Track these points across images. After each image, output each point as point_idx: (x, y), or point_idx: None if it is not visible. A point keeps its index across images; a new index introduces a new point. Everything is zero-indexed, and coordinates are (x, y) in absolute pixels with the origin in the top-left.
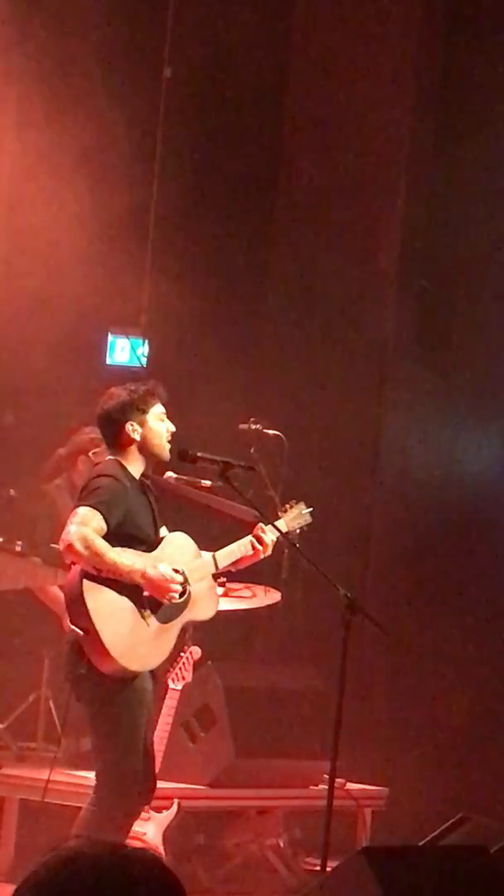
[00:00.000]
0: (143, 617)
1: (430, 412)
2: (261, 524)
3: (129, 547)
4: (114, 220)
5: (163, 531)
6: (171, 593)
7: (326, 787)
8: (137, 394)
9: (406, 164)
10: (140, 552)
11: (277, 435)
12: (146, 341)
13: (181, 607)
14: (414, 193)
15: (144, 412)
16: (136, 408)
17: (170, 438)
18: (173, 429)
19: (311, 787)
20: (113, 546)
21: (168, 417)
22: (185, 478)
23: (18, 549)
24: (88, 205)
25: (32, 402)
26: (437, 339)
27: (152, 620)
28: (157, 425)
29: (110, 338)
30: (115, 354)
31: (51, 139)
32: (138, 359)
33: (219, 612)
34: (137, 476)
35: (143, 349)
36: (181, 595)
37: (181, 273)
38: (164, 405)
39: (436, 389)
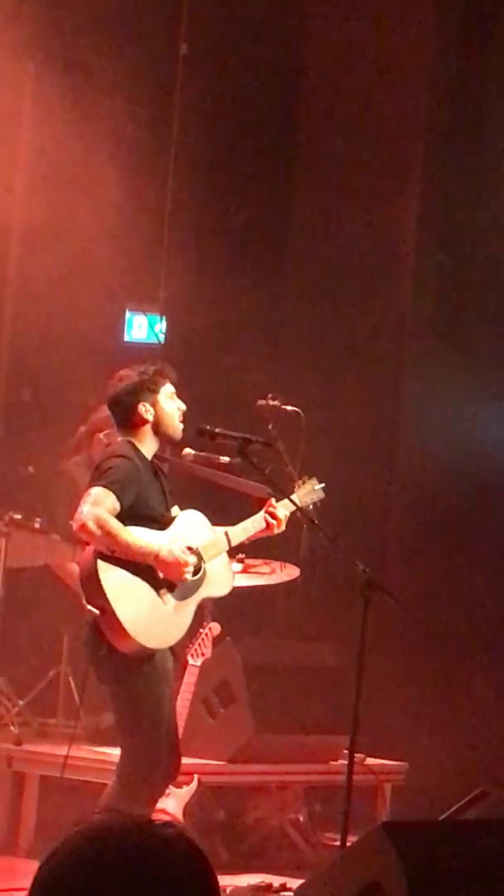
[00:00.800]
0: (159, 595)
1: (448, 387)
2: (272, 500)
3: (142, 525)
4: (131, 197)
5: (174, 510)
6: (184, 575)
7: (346, 762)
8: (147, 375)
9: (425, 137)
10: (153, 531)
11: (296, 411)
12: (164, 318)
13: (197, 584)
14: (433, 167)
15: (155, 392)
16: (146, 388)
17: (181, 417)
18: (184, 407)
19: (331, 762)
20: (126, 525)
21: (185, 394)
22: (203, 454)
23: (37, 525)
24: (106, 182)
25: (50, 380)
26: (456, 313)
27: (168, 598)
28: (169, 404)
29: (128, 314)
30: (133, 331)
31: (68, 118)
32: (156, 335)
33: (238, 589)
34: (149, 456)
35: (161, 326)
36: (196, 572)
37: (199, 249)
38: (173, 384)
39: (455, 364)
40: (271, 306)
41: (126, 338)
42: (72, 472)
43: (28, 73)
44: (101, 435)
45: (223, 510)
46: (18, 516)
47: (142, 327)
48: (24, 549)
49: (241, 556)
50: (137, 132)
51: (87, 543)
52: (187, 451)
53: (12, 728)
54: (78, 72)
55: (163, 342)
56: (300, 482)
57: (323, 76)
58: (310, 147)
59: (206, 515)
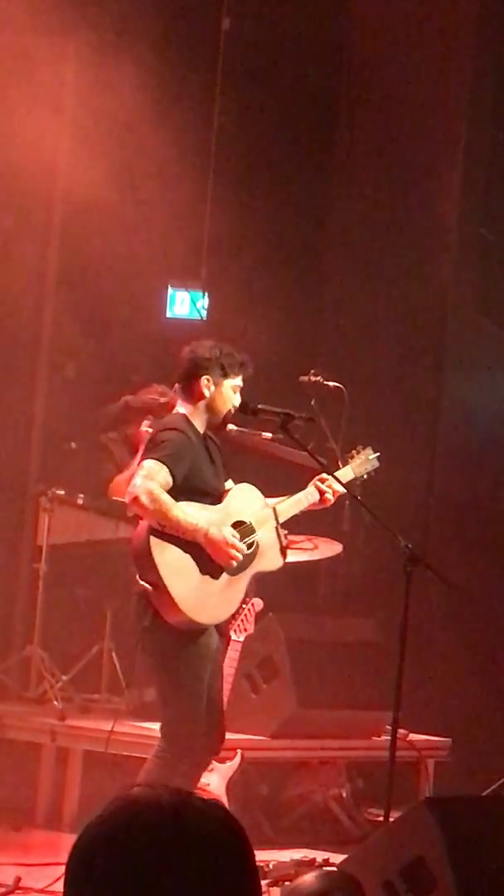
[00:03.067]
0: (210, 571)
1: (491, 362)
2: (324, 474)
3: (195, 500)
4: (173, 175)
5: (228, 484)
6: (232, 559)
7: (389, 737)
8: (230, 360)
9: (468, 111)
10: (206, 505)
11: (338, 387)
12: (206, 294)
13: (250, 558)
14: (475, 141)
15: (226, 376)
16: (220, 367)
17: (232, 411)
18: (237, 404)
19: (374, 738)
20: (179, 499)
21: None
22: (245, 430)
23: (80, 501)
24: (148, 159)
25: (93, 356)
26: (498, 288)
27: (221, 573)
28: (229, 394)
29: (170, 291)
30: (175, 307)
31: (109, 93)
32: (199, 311)
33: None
34: (202, 431)
35: (203, 302)
36: (249, 547)
37: (241, 226)
38: (245, 382)
39: (497, 338)
40: (313, 282)
41: (168, 314)
42: (110, 447)
43: (71, 48)
44: (145, 425)
45: (275, 484)
46: (61, 492)
47: (184, 303)
48: (68, 524)
49: (284, 532)
50: (180, 109)
51: (139, 517)
52: (230, 427)
53: (56, 703)
54: (120, 48)
55: (205, 318)
56: (355, 451)
57: (365, 50)
58: (352, 122)
59: (258, 489)
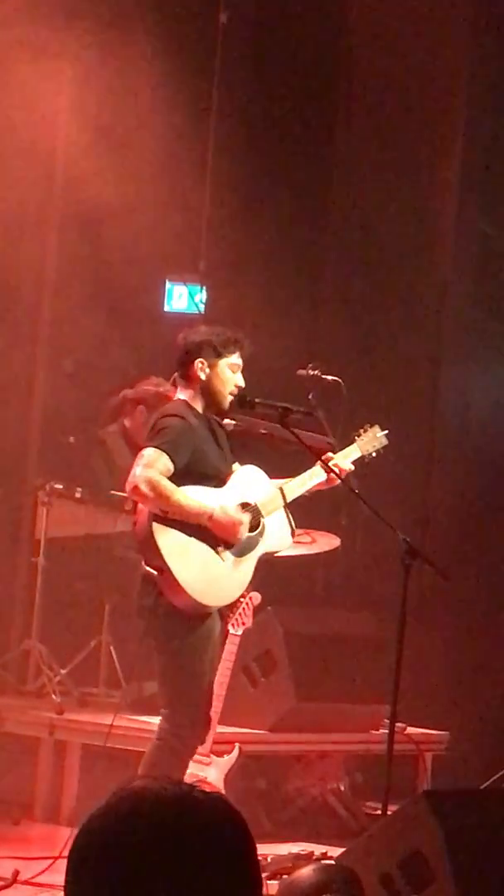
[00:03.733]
0: (216, 552)
1: (489, 356)
2: (329, 453)
3: (199, 484)
4: (171, 168)
5: (234, 466)
6: (238, 534)
7: (387, 731)
8: (220, 338)
9: (466, 106)
10: (210, 488)
11: (336, 380)
12: (204, 288)
13: (256, 540)
14: (474, 136)
15: (219, 356)
16: (212, 348)
17: (235, 392)
18: (242, 384)
19: (372, 732)
20: (183, 483)
21: None
22: (241, 421)
23: (78, 495)
24: (146, 152)
25: (92, 351)
26: (496, 282)
27: (227, 555)
28: (226, 373)
29: (168, 285)
30: (173, 301)
31: (107, 86)
32: (196, 305)
33: (279, 558)
34: (203, 413)
35: (201, 296)
36: (254, 528)
37: (239, 219)
38: (244, 359)
39: (495, 332)
40: (311, 276)
41: (166, 308)
42: (107, 441)
43: (69, 43)
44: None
45: (279, 468)
46: (59, 486)
47: (182, 297)
48: (66, 518)
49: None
50: (178, 102)
51: (140, 506)
52: (227, 421)
53: (54, 697)
54: (118, 42)
55: (203, 312)
56: (362, 430)
57: (362, 44)
58: (350, 116)
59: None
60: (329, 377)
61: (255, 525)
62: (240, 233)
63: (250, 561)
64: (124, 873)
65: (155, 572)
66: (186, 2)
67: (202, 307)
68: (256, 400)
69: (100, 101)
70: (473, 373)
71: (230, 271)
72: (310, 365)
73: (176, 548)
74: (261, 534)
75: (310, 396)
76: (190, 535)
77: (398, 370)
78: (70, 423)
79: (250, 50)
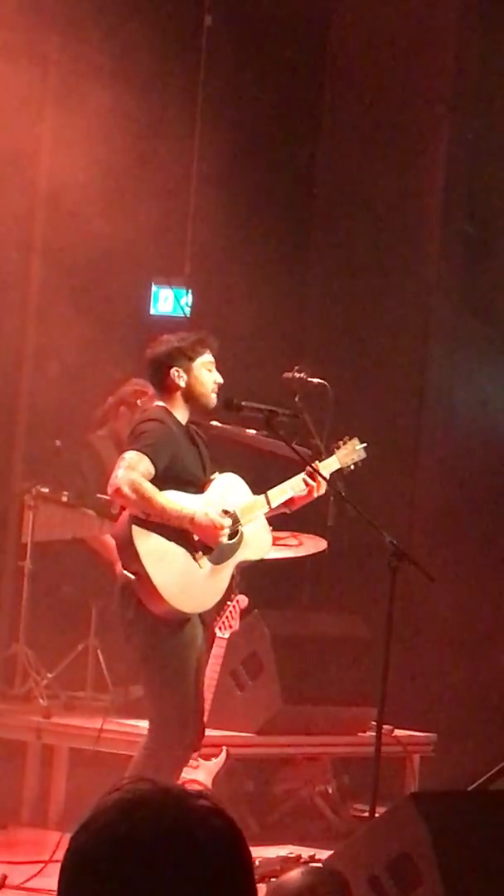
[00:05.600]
0: (195, 559)
1: (474, 357)
2: (314, 462)
3: (178, 489)
4: (156, 171)
5: (214, 476)
6: (219, 538)
7: (374, 733)
8: (186, 342)
9: (451, 108)
10: (190, 494)
11: (322, 383)
12: (190, 291)
13: (233, 547)
14: (458, 138)
15: (191, 360)
16: (183, 355)
17: (216, 389)
18: (220, 380)
19: (359, 734)
20: (162, 489)
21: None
22: (229, 427)
23: (65, 499)
24: (131, 155)
25: (77, 354)
26: (481, 284)
27: (205, 562)
28: (203, 374)
29: (154, 288)
30: (159, 305)
31: (92, 90)
32: (182, 309)
33: (266, 561)
34: (184, 422)
35: (187, 299)
36: (233, 535)
37: (224, 222)
38: (214, 355)
39: (480, 334)
40: (297, 278)
41: (152, 311)
42: (96, 444)
43: (53, 45)
44: (138, 402)
45: (262, 477)
46: (46, 490)
47: (168, 301)
48: (52, 522)
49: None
50: (162, 105)
51: (122, 509)
52: (213, 423)
53: (41, 701)
54: (102, 45)
55: (188, 315)
56: (341, 442)
57: (348, 45)
58: (335, 118)
59: (244, 481)
60: (315, 380)
61: (233, 533)
62: (225, 236)
63: (227, 569)
64: (122, 881)
65: (132, 576)
66: (171, 4)
67: (188, 310)
68: (243, 402)
69: (84, 106)
70: (459, 374)
71: (216, 274)
72: (296, 367)
73: (154, 552)
74: (239, 542)
75: (296, 399)
76: (169, 540)
77: (384, 372)
78: (56, 427)
79: (235, 52)
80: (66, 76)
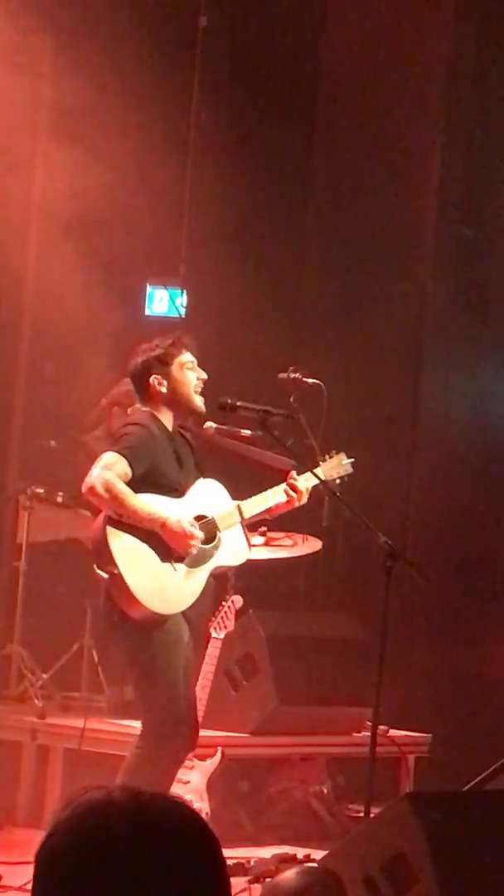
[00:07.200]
0: (168, 561)
1: (469, 358)
2: (293, 472)
3: (159, 494)
4: (152, 171)
5: (200, 481)
6: (190, 547)
7: (369, 733)
8: (160, 348)
9: (446, 109)
10: (169, 498)
11: (317, 383)
12: (185, 292)
13: (211, 552)
14: (454, 139)
15: (168, 364)
16: (159, 362)
17: (200, 387)
18: (204, 376)
19: (354, 734)
20: (141, 492)
21: (206, 367)
22: (224, 427)
23: (60, 500)
24: (126, 155)
25: (72, 355)
26: (476, 285)
27: (179, 565)
28: (184, 374)
29: (149, 289)
30: (154, 305)
31: (85, 90)
32: (177, 309)
33: (260, 562)
34: (170, 427)
35: (182, 300)
36: (210, 541)
37: (219, 223)
38: (193, 354)
39: (475, 336)
40: (292, 279)
41: (147, 312)
42: (91, 445)
43: (47, 46)
44: (129, 410)
45: (249, 483)
46: (41, 490)
47: (163, 301)
48: (47, 523)
49: (262, 529)
50: (158, 106)
51: (99, 510)
52: (209, 424)
53: (36, 701)
54: (97, 45)
55: (183, 316)
56: (328, 456)
57: (342, 47)
58: (330, 120)
59: (231, 489)
60: (310, 380)
61: (210, 538)
62: (220, 236)
63: (203, 572)
64: (91, 886)
65: (106, 576)
66: (166, 5)
67: (183, 311)
68: (238, 403)
69: (79, 107)
70: (454, 375)
71: (211, 275)
72: (291, 368)
73: (128, 553)
74: (216, 546)
75: (291, 399)
76: (143, 542)
77: (380, 373)
78: (51, 428)
79: (230, 53)
80: (60, 77)
